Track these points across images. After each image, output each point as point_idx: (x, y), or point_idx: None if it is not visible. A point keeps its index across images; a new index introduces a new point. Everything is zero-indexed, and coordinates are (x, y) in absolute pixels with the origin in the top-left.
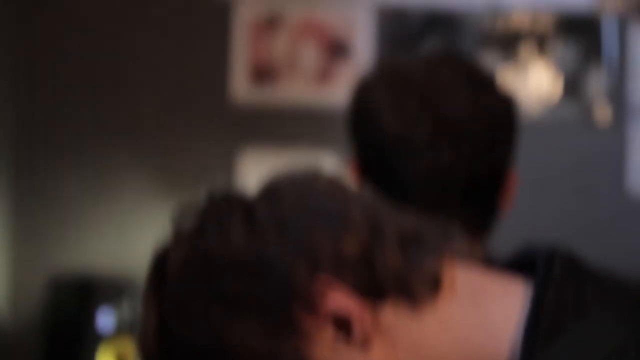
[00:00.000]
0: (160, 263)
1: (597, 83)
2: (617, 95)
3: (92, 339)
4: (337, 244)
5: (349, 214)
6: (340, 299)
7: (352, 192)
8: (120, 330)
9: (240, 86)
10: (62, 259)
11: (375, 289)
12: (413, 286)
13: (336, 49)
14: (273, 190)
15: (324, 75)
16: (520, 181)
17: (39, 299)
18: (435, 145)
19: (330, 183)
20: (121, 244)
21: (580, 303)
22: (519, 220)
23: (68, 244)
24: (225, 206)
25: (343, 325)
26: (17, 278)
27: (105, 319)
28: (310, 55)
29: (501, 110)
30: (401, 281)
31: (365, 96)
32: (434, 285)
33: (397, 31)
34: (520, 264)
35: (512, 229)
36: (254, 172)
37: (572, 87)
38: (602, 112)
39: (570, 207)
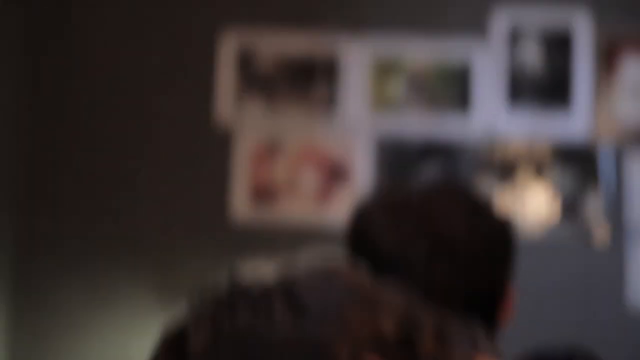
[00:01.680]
0: (176, 348)
1: (594, 206)
2: (615, 217)
3: None
4: (376, 325)
5: (382, 296)
6: None
7: (379, 283)
8: None
9: (241, 206)
10: None
11: None
12: None
13: (335, 173)
14: (295, 280)
15: (323, 196)
16: (520, 300)
17: None
18: (432, 264)
19: (354, 273)
20: (122, 354)
21: None
22: (520, 338)
23: (68, 355)
24: (256, 287)
25: None
26: None
27: None
28: (309, 178)
29: (498, 231)
30: None
31: (363, 218)
32: None
33: (395, 157)
34: None
35: (512, 348)
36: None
37: (570, 210)
38: (601, 233)
39: (571, 326)
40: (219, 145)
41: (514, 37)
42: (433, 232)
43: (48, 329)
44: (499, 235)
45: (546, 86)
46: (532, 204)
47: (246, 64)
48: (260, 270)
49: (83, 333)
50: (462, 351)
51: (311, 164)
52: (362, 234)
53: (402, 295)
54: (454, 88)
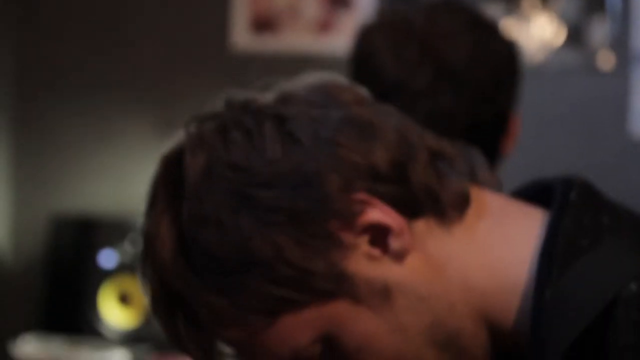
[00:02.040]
0: (174, 167)
1: (600, 31)
2: (620, 43)
3: (93, 278)
4: (370, 156)
5: (378, 125)
6: (379, 212)
7: (376, 104)
8: (122, 269)
9: (241, 35)
10: (64, 199)
11: (409, 203)
12: (444, 203)
13: (337, 0)
14: (294, 99)
15: (325, 24)
16: (523, 126)
17: (41, 239)
18: (435, 91)
19: (352, 92)
20: (122, 185)
21: (597, 228)
22: (522, 164)
23: (70, 185)
24: (250, 114)
25: (379, 238)
26: (20, 219)
27: (107, 258)
28: (311, 5)
29: (503, 54)
30: (433, 197)
31: (365, 43)
32: (463, 203)
33: None
34: (530, 195)
35: (515, 173)
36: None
37: (575, 35)
38: (605, 58)
39: (573, 151)
40: None
41: None
42: (436, 58)
43: (50, 157)
44: (504, 60)
45: None
46: (536, 29)
47: None
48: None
49: (82, 166)
50: (458, 181)
51: None
52: (364, 60)
53: (399, 120)
54: None
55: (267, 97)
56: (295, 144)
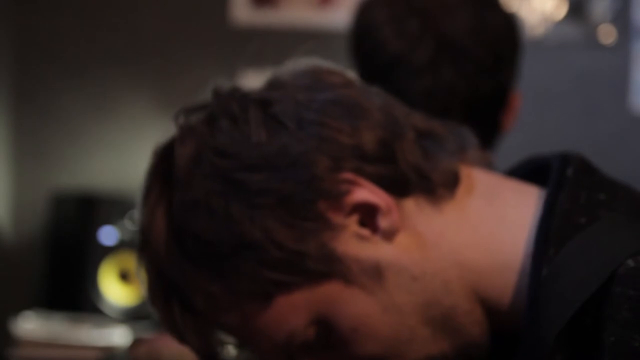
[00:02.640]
0: (166, 158)
1: (601, 4)
2: (622, 17)
3: (94, 255)
4: (357, 137)
5: (364, 106)
6: (367, 192)
7: (363, 85)
8: (122, 245)
9: (242, 8)
10: (64, 175)
11: (397, 183)
12: (433, 181)
13: None
14: (281, 84)
15: None
16: (523, 100)
17: (41, 214)
18: (436, 65)
19: (339, 75)
20: (123, 161)
21: (594, 205)
22: (523, 138)
23: (70, 161)
24: (236, 100)
25: (368, 217)
26: (19, 194)
27: (108, 235)
28: None
29: (503, 29)
30: (422, 176)
31: (366, 15)
32: (453, 180)
33: None
34: (526, 173)
35: (515, 146)
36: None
37: (577, 9)
38: (606, 33)
39: (574, 125)
40: None
41: None
42: (437, 32)
43: (50, 135)
44: (504, 34)
45: None
46: (537, 1)
47: None
48: (259, 79)
49: (84, 140)
50: (447, 159)
51: None
52: (365, 34)
53: (386, 100)
54: None
55: (251, 87)
56: (280, 127)
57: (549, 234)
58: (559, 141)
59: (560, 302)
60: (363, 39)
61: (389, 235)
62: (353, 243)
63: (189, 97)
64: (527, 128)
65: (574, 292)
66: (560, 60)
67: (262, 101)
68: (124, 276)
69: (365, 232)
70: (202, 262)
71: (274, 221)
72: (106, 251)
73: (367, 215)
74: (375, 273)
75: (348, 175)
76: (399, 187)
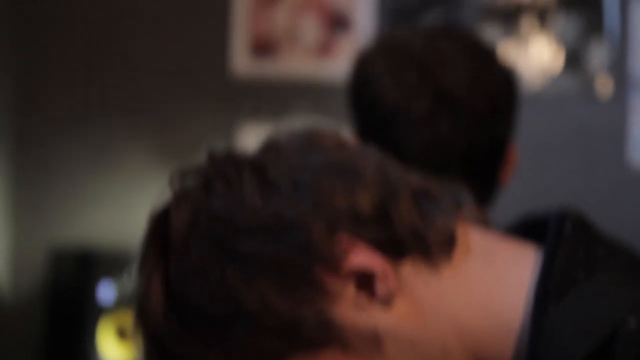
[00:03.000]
0: (161, 224)
1: (598, 56)
2: (619, 68)
3: (92, 312)
4: (352, 200)
5: (359, 167)
6: (363, 257)
7: (357, 146)
8: (121, 303)
9: (241, 59)
10: (63, 230)
11: (394, 245)
12: (430, 243)
13: (337, 23)
14: (276, 147)
15: (325, 48)
16: (521, 153)
17: (39, 270)
18: (433, 118)
19: (334, 137)
20: (122, 216)
21: (591, 261)
22: (520, 192)
23: (69, 216)
24: (231, 164)
25: (365, 283)
26: (18, 249)
27: (106, 292)
28: (310, 28)
29: (501, 82)
30: (418, 237)
31: (364, 68)
32: (450, 242)
33: (397, 4)
34: (523, 231)
35: (512, 201)
36: (254, 144)
37: (574, 60)
38: (604, 85)
39: (571, 179)
40: None
41: None
42: (435, 85)
43: (49, 189)
44: (502, 87)
45: None
46: (535, 53)
47: None
48: (258, 130)
49: (84, 193)
50: (444, 219)
51: (312, 13)
52: (364, 85)
53: (381, 161)
54: None
55: (247, 150)
56: (275, 191)
57: (548, 291)
58: (557, 195)
59: (560, 358)
60: (361, 91)
61: (386, 301)
62: (350, 309)
63: (188, 149)
64: (525, 181)
65: (574, 348)
66: (558, 113)
67: (256, 165)
68: (122, 333)
69: (362, 298)
70: (199, 329)
71: (270, 287)
72: (104, 308)
73: (364, 280)
74: (373, 340)
75: (344, 240)
76: (395, 249)
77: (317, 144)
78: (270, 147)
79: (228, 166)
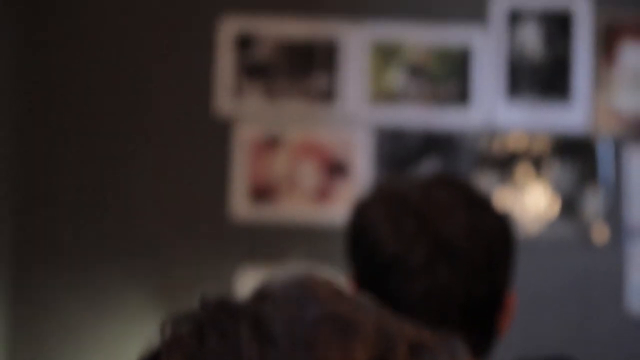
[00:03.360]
0: None
1: (593, 203)
2: (614, 216)
3: None
4: (348, 354)
5: (356, 321)
6: None
7: (354, 297)
8: None
9: (240, 205)
10: None
11: None
12: None
13: (335, 169)
14: (272, 297)
15: (323, 193)
16: (518, 299)
17: None
18: (432, 267)
19: (329, 288)
20: (119, 359)
21: None
22: (518, 339)
23: None
24: (226, 313)
25: None
26: None
27: None
28: (309, 174)
29: (498, 231)
30: None
31: (363, 215)
32: None
33: (395, 151)
34: None
35: (510, 347)
36: (248, 291)
37: (569, 207)
38: (600, 232)
39: (569, 325)
40: (217, 139)
41: (514, 22)
42: (434, 233)
43: (47, 334)
44: (498, 236)
45: (545, 75)
46: (530, 200)
47: (245, 51)
48: (257, 274)
49: (82, 338)
50: None
51: (311, 159)
52: (362, 233)
53: (377, 313)
54: (453, 75)
55: (240, 298)
56: (271, 345)
57: None
58: (554, 341)
59: None
60: (360, 238)
61: None
62: None
63: (187, 293)
64: (522, 328)
65: None
66: (554, 259)
67: (253, 316)
68: None
69: None
70: None
71: None
72: None
73: None
74: None
75: None
76: None
77: (312, 295)
78: (264, 297)
79: (223, 315)
